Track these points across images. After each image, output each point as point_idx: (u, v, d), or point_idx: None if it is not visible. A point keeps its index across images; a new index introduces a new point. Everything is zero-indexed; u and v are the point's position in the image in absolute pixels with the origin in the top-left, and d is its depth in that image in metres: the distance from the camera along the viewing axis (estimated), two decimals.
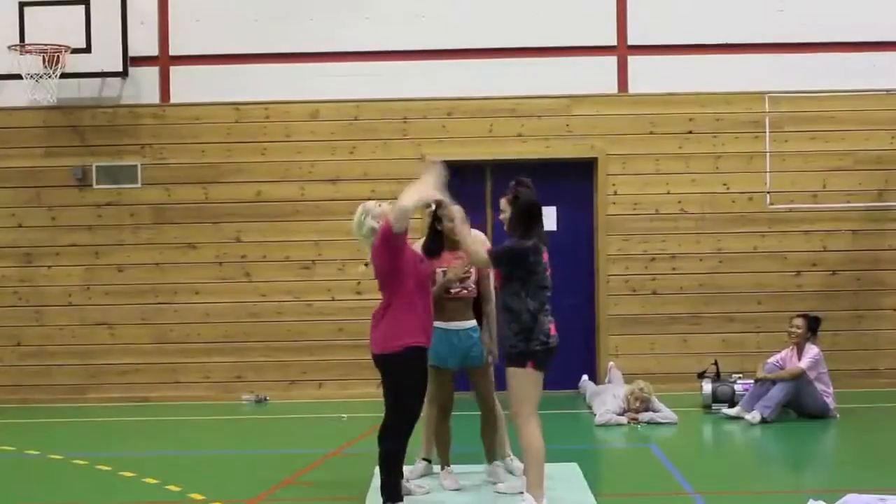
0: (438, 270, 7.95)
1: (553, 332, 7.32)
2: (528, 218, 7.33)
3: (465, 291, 8.08)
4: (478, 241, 7.86)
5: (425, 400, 8.15)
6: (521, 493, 7.52)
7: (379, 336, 7.30)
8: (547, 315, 7.31)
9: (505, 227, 7.52)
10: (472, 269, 8.00)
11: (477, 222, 8.39)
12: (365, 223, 7.42)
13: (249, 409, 12.57)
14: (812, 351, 11.14)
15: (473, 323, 8.14)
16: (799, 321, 11.28)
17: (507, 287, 7.31)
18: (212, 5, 13.08)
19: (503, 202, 7.47)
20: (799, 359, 11.14)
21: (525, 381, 7.22)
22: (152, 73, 13.07)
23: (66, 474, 9.27)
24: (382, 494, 7.31)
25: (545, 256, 7.35)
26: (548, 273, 7.36)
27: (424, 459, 8.53)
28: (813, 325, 11.27)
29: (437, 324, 7.83)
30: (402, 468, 7.43)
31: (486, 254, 7.42)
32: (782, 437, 10.49)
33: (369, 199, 7.73)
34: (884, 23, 12.98)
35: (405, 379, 7.24)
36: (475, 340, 8.13)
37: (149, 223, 13.01)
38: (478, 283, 8.14)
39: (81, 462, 9.63)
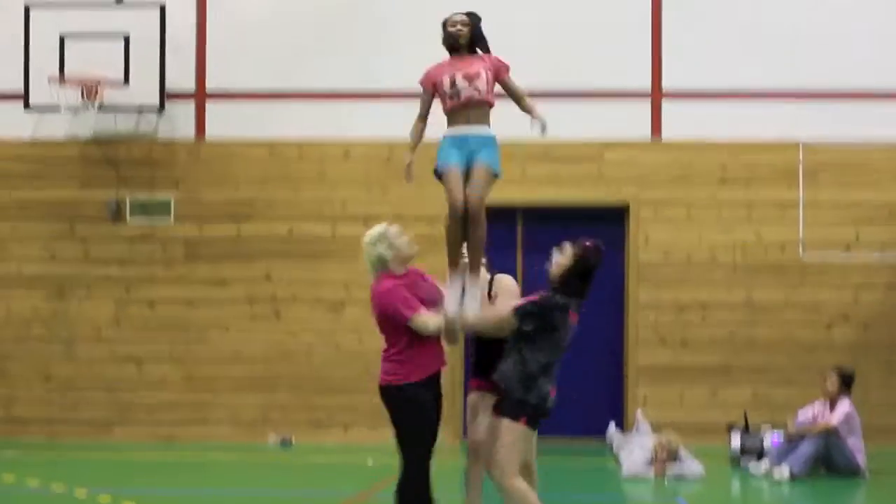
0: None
1: (552, 394, 6.87)
2: (580, 281, 6.91)
3: (477, 94, 6.85)
4: (506, 293, 7.23)
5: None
6: None
7: (386, 367, 7.02)
8: (552, 376, 6.88)
9: (550, 277, 6.94)
10: (481, 70, 6.86)
11: (507, 268, 8.22)
12: (376, 250, 7.05)
13: (275, 449, 12.55)
14: (844, 406, 11.00)
15: (490, 132, 7.01)
16: (832, 376, 11.16)
17: (525, 327, 6.80)
18: (250, 42, 13.17)
19: (567, 251, 6.86)
20: (832, 413, 11.02)
21: (515, 437, 6.75)
22: (188, 108, 13.16)
23: None
24: None
25: (574, 318, 6.94)
26: (569, 336, 6.92)
27: None
28: (847, 380, 11.14)
29: (449, 131, 7.03)
30: None
31: (511, 314, 6.79)
32: (811, 495, 10.35)
33: (392, 225, 7.03)
34: None
35: (407, 416, 6.89)
36: (489, 141, 6.99)
37: (180, 259, 13.05)
38: (494, 82, 6.91)
39: (106, 498, 9.62)
